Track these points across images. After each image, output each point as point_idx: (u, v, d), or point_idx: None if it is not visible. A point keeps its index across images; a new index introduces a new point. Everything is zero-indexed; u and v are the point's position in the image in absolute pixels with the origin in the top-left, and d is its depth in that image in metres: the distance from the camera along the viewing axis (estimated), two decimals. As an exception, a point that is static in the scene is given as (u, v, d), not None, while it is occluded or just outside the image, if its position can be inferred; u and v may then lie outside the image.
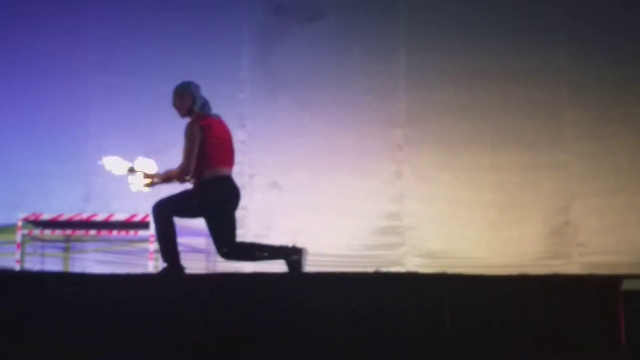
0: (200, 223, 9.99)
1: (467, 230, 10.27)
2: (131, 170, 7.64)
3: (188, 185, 7.52)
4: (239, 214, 10.18)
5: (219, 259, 9.99)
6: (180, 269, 7.22)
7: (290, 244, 7.46)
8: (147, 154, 10.18)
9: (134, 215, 9.47)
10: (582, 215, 10.20)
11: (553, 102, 10.41)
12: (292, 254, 7.40)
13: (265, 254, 7.49)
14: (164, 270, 7.21)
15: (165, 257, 7.22)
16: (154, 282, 6.79)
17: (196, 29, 10.51)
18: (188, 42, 10.47)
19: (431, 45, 10.54)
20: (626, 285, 6.27)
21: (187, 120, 7.58)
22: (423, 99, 10.51)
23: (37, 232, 9.68)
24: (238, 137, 10.34)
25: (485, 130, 10.37)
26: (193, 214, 7.55)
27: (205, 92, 10.22)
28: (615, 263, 9.66)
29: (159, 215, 7.28)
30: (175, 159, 10.00)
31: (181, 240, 9.91)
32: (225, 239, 7.44)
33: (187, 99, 7.62)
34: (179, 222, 9.80)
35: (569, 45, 10.45)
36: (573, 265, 9.99)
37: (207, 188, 7.36)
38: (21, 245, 9.48)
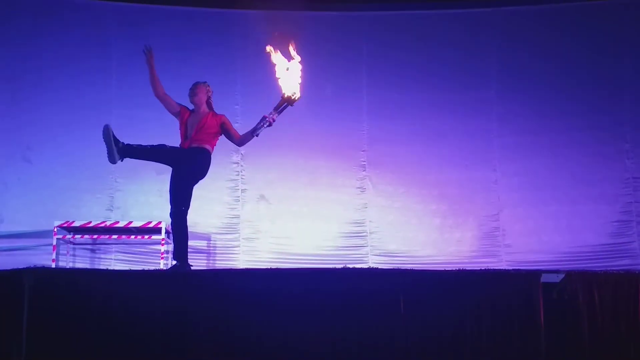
0: (201, 227, 10.14)
1: (417, 234, 10.29)
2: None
3: None
4: (233, 221, 10.34)
5: (218, 259, 10.17)
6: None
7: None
8: (158, 172, 10.28)
9: (148, 222, 9.42)
10: (509, 222, 10.20)
11: (485, 130, 10.45)
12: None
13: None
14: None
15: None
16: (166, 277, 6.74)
17: (200, 70, 10.46)
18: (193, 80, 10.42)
19: (389, 83, 10.57)
20: (544, 278, 6.28)
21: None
22: (382, 127, 10.54)
23: (69, 236, 9.63)
24: (233, 159, 10.44)
25: (432, 153, 10.39)
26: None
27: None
28: (536, 260, 9.68)
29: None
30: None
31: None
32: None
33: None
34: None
35: (498, 83, 10.47)
36: (502, 262, 9.98)
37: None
38: (56, 247, 9.42)
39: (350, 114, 10.59)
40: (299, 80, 7.30)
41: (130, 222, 9.47)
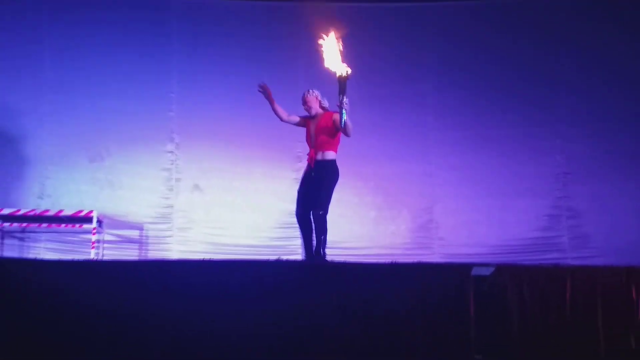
0: (133, 216, 10.07)
1: (353, 226, 10.31)
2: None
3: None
4: (166, 210, 10.27)
5: (151, 249, 10.09)
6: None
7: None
8: (91, 159, 10.17)
9: (80, 211, 9.32)
10: (442, 215, 10.32)
11: (422, 124, 10.54)
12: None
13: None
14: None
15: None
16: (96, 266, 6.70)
17: (136, 60, 10.39)
18: (129, 69, 10.33)
19: (325, 75, 10.52)
20: (475, 271, 6.38)
21: None
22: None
23: (-3, 224, 9.48)
24: (167, 148, 10.37)
25: (368, 145, 10.37)
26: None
27: (142, 110, 10.28)
28: (468, 253, 9.81)
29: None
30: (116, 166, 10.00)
31: (117, 232, 9.99)
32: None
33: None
34: (112, 214, 9.86)
35: (436, 77, 10.57)
36: (435, 255, 10.10)
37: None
38: (-16, 235, 9.28)
39: (286, 103, 10.54)
40: (340, 57, 7.40)
41: (61, 211, 9.34)
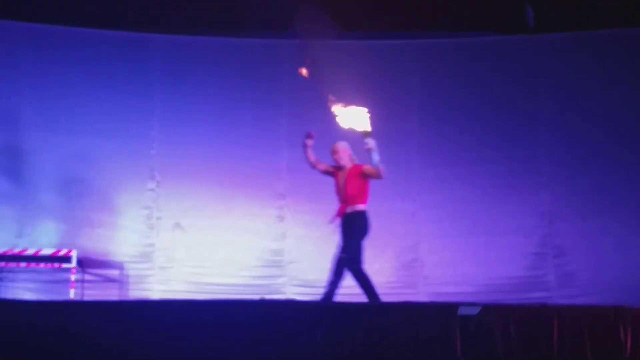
0: (114, 255, 9.96)
1: (337, 264, 10.26)
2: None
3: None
4: (147, 249, 10.17)
5: (132, 287, 9.97)
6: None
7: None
8: (69, 200, 10.07)
9: (58, 250, 9.21)
10: (427, 253, 10.25)
11: (406, 161, 10.49)
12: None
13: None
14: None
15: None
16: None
17: (118, 98, 10.33)
18: (111, 108, 10.27)
19: (308, 114, 10.55)
20: (462, 311, 6.34)
21: None
22: (301, 156, 10.49)
23: (-26, 264, 9.32)
24: (148, 186, 10.29)
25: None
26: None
27: (123, 148, 10.22)
28: (453, 292, 9.74)
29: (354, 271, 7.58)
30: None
31: (98, 271, 9.87)
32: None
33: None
34: (91, 254, 9.75)
35: (420, 115, 10.57)
36: (420, 293, 10.02)
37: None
38: (-39, 275, 9.13)
39: (269, 141, 10.56)
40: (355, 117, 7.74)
41: (40, 250, 9.22)
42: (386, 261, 10.28)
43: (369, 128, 7.60)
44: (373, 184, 10.31)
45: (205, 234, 10.29)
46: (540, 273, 10.13)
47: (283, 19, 9.90)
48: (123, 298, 9.71)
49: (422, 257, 10.27)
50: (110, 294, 9.74)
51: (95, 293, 9.70)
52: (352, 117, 7.71)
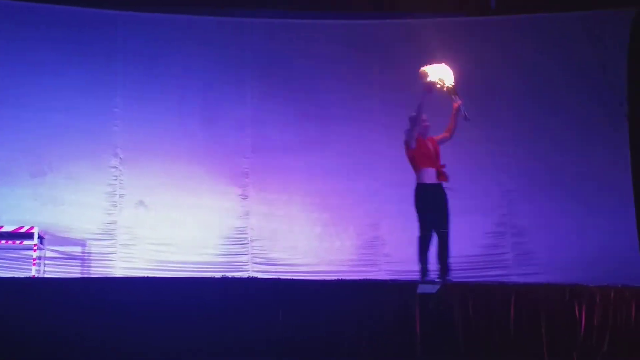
0: (76, 232, 9.91)
1: (298, 242, 10.32)
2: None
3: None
4: (110, 227, 10.12)
5: (93, 265, 9.93)
6: None
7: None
8: (33, 175, 9.98)
9: (20, 227, 9.13)
10: (388, 232, 10.31)
11: (367, 142, 10.55)
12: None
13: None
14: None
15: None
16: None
17: (81, 74, 10.23)
18: (74, 84, 10.18)
19: (274, 92, 10.57)
20: (421, 289, 6.43)
21: None
22: (266, 135, 10.53)
23: None
24: (111, 163, 10.23)
25: (315, 162, 10.43)
26: None
27: (86, 125, 10.14)
28: (413, 269, 9.79)
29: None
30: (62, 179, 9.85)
31: (59, 248, 9.80)
32: None
33: None
34: (54, 231, 9.68)
35: (382, 97, 10.57)
36: (381, 271, 10.09)
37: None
38: None
39: (233, 119, 10.54)
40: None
41: (1, 227, 9.14)
42: (348, 239, 10.35)
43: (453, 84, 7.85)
44: (335, 162, 10.45)
45: (168, 211, 10.25)
46: (499, 252, 10.26)
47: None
48: (85, 275, 9.68)
49: (383, 236, 10.34)
50: (72, 271, 9.70)
51: (56, 270, 9.65)
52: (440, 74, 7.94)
